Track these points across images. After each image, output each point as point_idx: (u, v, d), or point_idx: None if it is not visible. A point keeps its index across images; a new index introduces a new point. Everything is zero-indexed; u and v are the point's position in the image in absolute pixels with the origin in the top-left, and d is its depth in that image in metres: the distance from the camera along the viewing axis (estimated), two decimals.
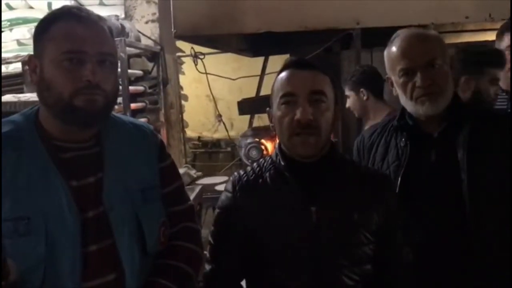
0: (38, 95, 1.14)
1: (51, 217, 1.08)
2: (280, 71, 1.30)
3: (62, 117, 1.12)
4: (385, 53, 1.53)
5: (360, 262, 1.26)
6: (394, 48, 1.48)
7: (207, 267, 1.33)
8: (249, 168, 1.38)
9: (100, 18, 1.17)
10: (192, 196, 2.61)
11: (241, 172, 1.37)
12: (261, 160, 1.40)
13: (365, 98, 2.74)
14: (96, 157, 1.18)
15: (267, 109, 1.35)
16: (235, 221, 1.30)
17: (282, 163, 1.29)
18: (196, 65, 3.54)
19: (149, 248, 1.20)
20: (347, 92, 2.81)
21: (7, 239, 1.04)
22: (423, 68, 1.42)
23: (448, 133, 1.47)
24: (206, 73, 3.63)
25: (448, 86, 1.46)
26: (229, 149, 6.23)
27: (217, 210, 1.37)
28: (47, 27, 1.12)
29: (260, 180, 1.31)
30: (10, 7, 4.55)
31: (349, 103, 2.84)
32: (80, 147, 1.17)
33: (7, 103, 2.56)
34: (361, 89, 2.74)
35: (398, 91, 1.50)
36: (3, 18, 4.51)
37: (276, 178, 1.30)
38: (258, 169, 1.35)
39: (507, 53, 1.96)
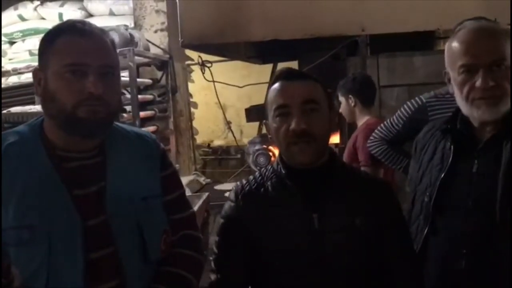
0: (42, 107, 1.18)
1: (54, 226, 1.10)
2: (272, 83, 1.31)
3: (65, 128, 1.15)
4: (447, 45, 1.40)
5: (364, 268, 1.27)
6: (457, 41, 1.34)
7: (212, 277, 1.34)
8: (251, 177, 1.39)
9: (103, 31, 1.20)
10: (199, 203, 2.62)
11: (244, 181, 1.38)
12: (262, 169, 1.41)
13: (352, 104, 2.87)
14: (99, 167, 1.21)
15: (264, 121, 1.36)
16: (238, 230, 1.31)
17: (283, 172, 1.30)
18: (203, 73, 3.57)
19: (151, 255, 1.22)
20: (340, 98, 2.91)
21: (11, 247, 1.07)
22: (487, 67, 1.29)
23: (496, 143, 1.34)
24: (213, 81, 3.66)
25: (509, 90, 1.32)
26: (238, 155, 6.24)
27: (220, 220, 1.38)
28: (51, 41, 1.15)
29: (262, 189, 1.32)
30: (22, 18, 4.64)
31: (341, 108, 2.94)
32: (84, 156, 1.20)
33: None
34: (350, 96, 2.86)
35: (454, 89, 1.39)
36: (15, 29, 4.61)
37: (278, 186, 1.31)
38: (260, 178, 1.36)
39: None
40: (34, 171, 1.13)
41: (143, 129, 3.65)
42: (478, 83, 1.30)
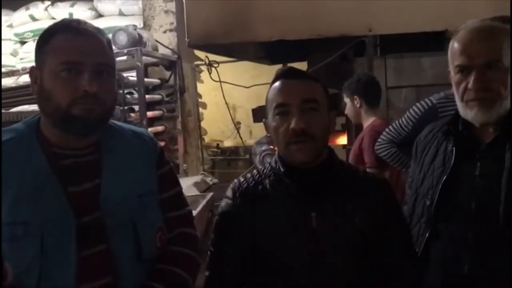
0: (38, 105, 1.19)
1: (47, 222, 1.11)
2: (272, 82, 1.31)
3: (61, 126, 1.16)
4: (450, 44, 1.38)
5: (361, 267, 1.26)
6: (456, 41, 1.34)
7: (207, 273, 1.34)
8: (249, 175, 1.39)
9: (98, 30, 1.21)
10: (202, 203, 2.63)
11: (241, 179, 1.38)
12: (261, 167, 1.41)
13: (358, 105, 2.83)
14: (95, 164, 1.21)
15: (263, 120, 1.36)
16: (235, 228, 1.31)
17: (282, 170, 1.30)
18: (210, 73, 3.58)
19: (145, 253, 1.22)
20: (345, 99, 2.89)
21: (4, 243, 1.08)
22: (480, 68, 1.28)
23: (499, 145, 1.32)
24: (220, 82, 3.67)
25: (508, 92, 1.29)
26: (247, 156, 6.23)
27: (216, 217, 1.38)
28: (48, 39, 1.17)
29: (260, 187, 1.32)
30: (33, 18, 4.70)
31: (346, 109, 2.92)
32: (79, 154, 1.20)
33: None
34: (355, 97, 2.82)
35: (453, 88, 1.38)
36: (27, 29, 4.67)
37: (276, 184, 1.30)
38: (258, 176, 1.36)
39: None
40: (29, 168, 1.14)
41: (151, 128, 3.70)
42: (470, 84, 1.29)
